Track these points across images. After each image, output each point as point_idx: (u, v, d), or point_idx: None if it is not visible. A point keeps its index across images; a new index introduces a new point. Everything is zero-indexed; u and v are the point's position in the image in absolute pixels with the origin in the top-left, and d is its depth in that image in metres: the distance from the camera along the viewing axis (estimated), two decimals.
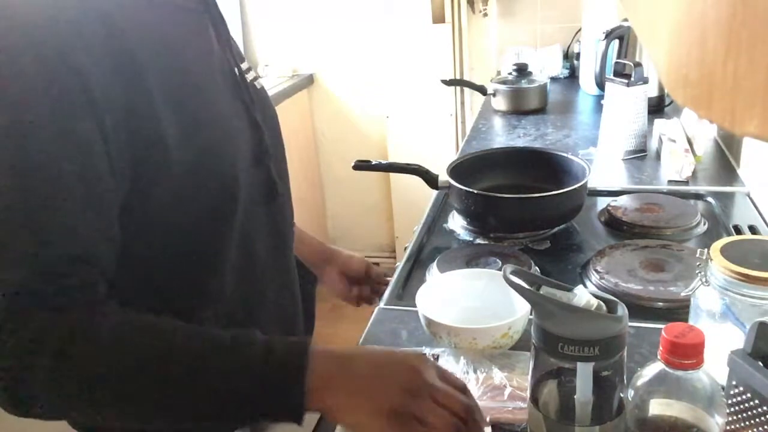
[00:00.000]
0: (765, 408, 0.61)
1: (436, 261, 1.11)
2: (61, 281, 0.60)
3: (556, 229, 1.23)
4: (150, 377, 0.61)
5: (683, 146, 1.49)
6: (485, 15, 2.53)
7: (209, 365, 0.62)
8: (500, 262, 1.09)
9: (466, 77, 2.60)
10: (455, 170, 1.28)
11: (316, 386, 0.62)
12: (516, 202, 1.19)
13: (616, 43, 1.86)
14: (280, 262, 0.90)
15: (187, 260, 0.75)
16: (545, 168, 1.34)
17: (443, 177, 1.25)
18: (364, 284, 1.20)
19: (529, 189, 1.23)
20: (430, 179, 1.27)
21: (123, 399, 0.62)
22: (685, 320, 0.74)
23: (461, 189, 1.20)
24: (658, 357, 0.60)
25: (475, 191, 1.19)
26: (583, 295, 0.60)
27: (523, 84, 2.04)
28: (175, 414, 0.63)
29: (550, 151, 1.43)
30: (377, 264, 3.20)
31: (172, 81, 0.68)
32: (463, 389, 0.67)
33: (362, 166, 1.27)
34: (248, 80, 0.83)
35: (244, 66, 0.84)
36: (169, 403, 0.62)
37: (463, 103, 2.65)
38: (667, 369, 0.60)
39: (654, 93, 1.81)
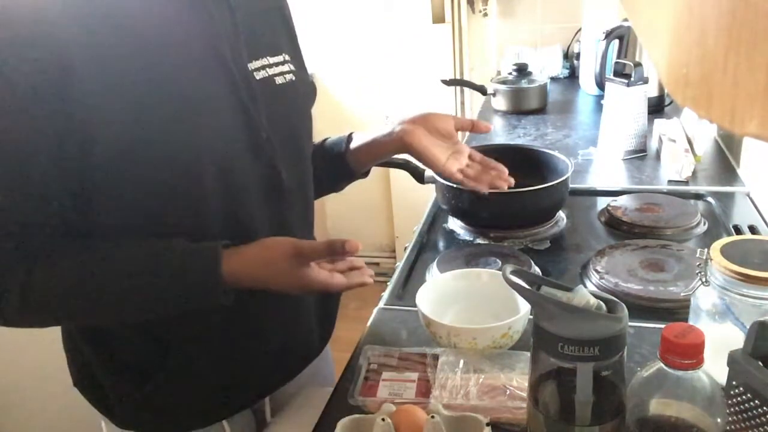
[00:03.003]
0: (765, 408, 0.61)
1: (436, 261, 1.11)
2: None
3: (545, 227, 1.23)
4: (92, 292, 0.75)
5: (683, 146, 1.49)
6: (485, 15, 2.53)
7: (137, 278, 0.75)
8: (500, 262, 1.09)
9: (466, 77, 2.60)
10: None
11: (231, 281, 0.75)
12: (497, 197, 1.19)
13: (616, 43, 1.86)
14: None
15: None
16: (531, 165, 1.34)
17: (429, 173, 1.28)
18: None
19: (514, 185, 1.23)
20: (417, 174, 1.30)
21: (79, 311, 0.79)
22: (685, 320, 0.74)
23: (443, 183, 1.23)
24: (658, 357, 0.60)
25: (454, 185, 1.20)
26: (583, 295, 0.60)
27: (523, 84, 2.04)
28: (129, 311, 0.78)
29: (534, 148, 1.43)
30: (377, 264, 3.20)
31: (114, 74, 0.69)
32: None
33: None
34: (259, 77, 0.82)
35: (259, 63, 0.83)
36: (116, 306, 0.77)
37: (463, 103, 2.65)
38: (667, 369, 0.60)
39: (654, 93, 1.81)
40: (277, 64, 0.86)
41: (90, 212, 0.75)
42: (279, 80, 0.86)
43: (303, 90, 0.91)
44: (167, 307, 0.77)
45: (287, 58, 0.88)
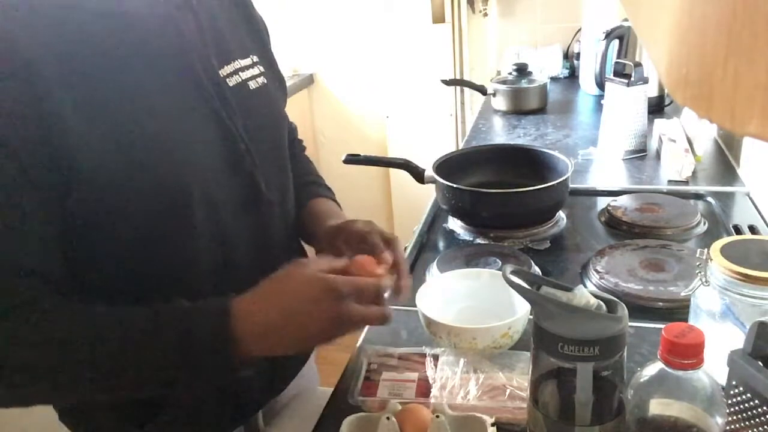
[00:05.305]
0: (765, 408, 0.61)
1: (436, 261, 1.11)
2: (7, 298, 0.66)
3: (545, 227, 1.23)
4: (81, 365, 0.67)
5: (683, 146, 1.49)
6: (485, 15, 2.53)
7: (136, 351, 0.67)
8: (500, 262, 1.09)
9: (466, 77, 2.60)
10: (441, 167, 1.30)
11: (244, 354, 0.67)
12: (497, 197, 1.20)
13: (616, 43, 1.86)
14: (266, 271, 0.86)
15: (147, 267, 0.75)
16: (531, 165, 1.35)
17: (429, 173, 1.28)
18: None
19: (514, 185, 1.24)
20: (417, 174, 1.30)
21: (64, 387, 0.68)
22: (685, 320, 0.74)
23: (444, 184, 1.23)
24: (658, 357, 0.60)
25: (454, 186, 1.21)
26: (583, 295, 0.60)
27: (523, 84, 2.05)
28: (116, 390, 0.70)
29: (534, 148, 1.44)
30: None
31: (90, 97, 0.67)
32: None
33: (352, 159, 1.32)
34: (233, 83, 0.80)
35: (231, 68, 0.81)
36: (105, 383, 0.68)
37: (463, 103, 2.65)
38: (667, 369, 0.60)
39: (654, 93, 1.81)
40: (247, 67, 0.84)
41: (72, 242, 0.71)
42: (252, 84, 0.84)
43: (275, 93, 0.90)
44: (168, 372, 0.68)
45: (255, 59, 0.86)
